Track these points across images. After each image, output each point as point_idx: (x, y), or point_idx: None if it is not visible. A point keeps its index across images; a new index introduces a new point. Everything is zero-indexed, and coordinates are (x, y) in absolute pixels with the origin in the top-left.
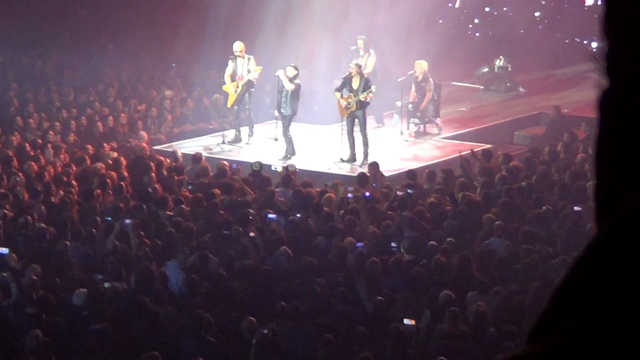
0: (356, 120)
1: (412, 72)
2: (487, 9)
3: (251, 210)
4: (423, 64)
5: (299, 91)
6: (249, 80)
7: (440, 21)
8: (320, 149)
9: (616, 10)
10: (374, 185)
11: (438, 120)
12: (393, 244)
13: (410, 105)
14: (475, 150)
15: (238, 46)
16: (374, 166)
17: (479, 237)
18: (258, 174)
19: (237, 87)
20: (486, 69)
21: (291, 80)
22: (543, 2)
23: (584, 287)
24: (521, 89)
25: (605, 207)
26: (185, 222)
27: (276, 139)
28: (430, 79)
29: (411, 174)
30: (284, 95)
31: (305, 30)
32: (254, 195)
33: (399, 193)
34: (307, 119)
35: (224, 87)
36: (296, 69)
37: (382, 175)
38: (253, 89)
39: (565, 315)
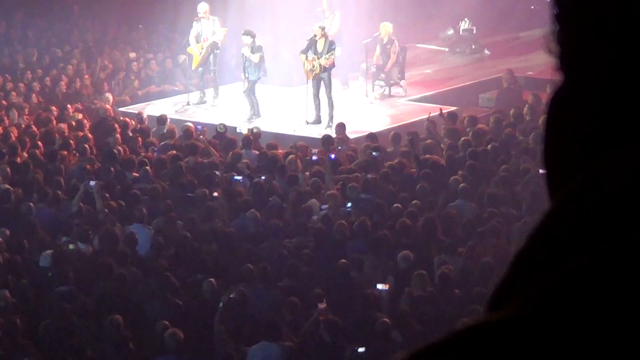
0: (321, 82)
1: (377, 34)
2: None
3: (217, 172)
4: (388, 26)
5: (263, 55)
6: (213, 41)
7: None
8: (285, 111)
9: None
10: (339, 147)
11: (403, 83)
12: (348, 205)
13: (374, 68)
14: (442, 111)
15: (202, 7)
16: (341, 127)
17: (443, 199)
18: (223, 135)
19: (202, 48)
20: (451, 32)
21: (252, 47)
22: None
23: (542, 255)
24: (486, 52)
25: (555, 182)
26: (150, 184)
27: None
28: (396, 41)
29: (372, 136)
30: (248, 61)
31: None
32: (219, 157)
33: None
34: (272, 80)
35: (188, 49)
36: (249, 33)
37: (348, 137)
38: (218, 51)
39: (523, 284)
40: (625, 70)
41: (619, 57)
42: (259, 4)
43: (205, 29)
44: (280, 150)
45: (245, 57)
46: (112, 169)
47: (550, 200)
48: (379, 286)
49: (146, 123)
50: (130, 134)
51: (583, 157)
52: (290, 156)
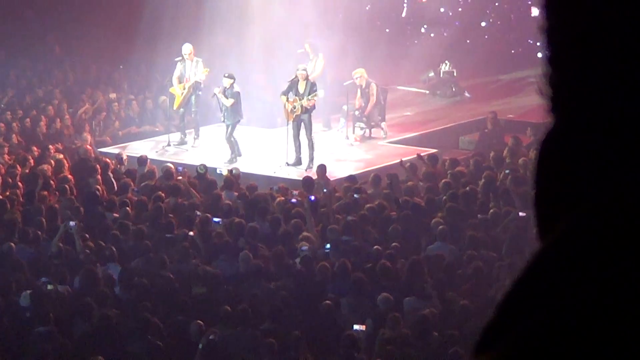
0: (302, 123)
1: (357, 76)
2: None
3: (198, 213)
4: (361, 71)
5: (239, 100)
6: (195, 82)
7: (387, 30)
8: (266, 152)
9: (566, 22)
10: (324, 190)
11: (384, 125)
12: (327, 246)
13: (356, 111)
14: (421, 154)
15: (187, 48)
16: (321, 169)
17: (424, 241)
18: (203, 176)
19: (184, 89)
20: (432, 74)
21: (228, 92)
22: (488, 12)
23: (528, 301)
24: (467, 94)
25: (545, 224)
26: (131, 224)
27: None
28: (373, 83)
29: (352, 178)
30: (224, 107)
31: (252, 34)
32: (199, 197)
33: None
34: (252, 122)
35: (171, 89)
36: (231, 77)
37: (328, 179)
38: (200, 92)
39: (508, 330)
40: (618, 116)
41: (612, 101)
42: (242, 47)
43: (188, 70)
44: (260, 192)
45: (219, 99)
46: (91, 209)
47: (538, 240)
48: (356, 327)
49: (126, 164)
50: (111, 175)
51: (573, 200)
52: (277, 199)
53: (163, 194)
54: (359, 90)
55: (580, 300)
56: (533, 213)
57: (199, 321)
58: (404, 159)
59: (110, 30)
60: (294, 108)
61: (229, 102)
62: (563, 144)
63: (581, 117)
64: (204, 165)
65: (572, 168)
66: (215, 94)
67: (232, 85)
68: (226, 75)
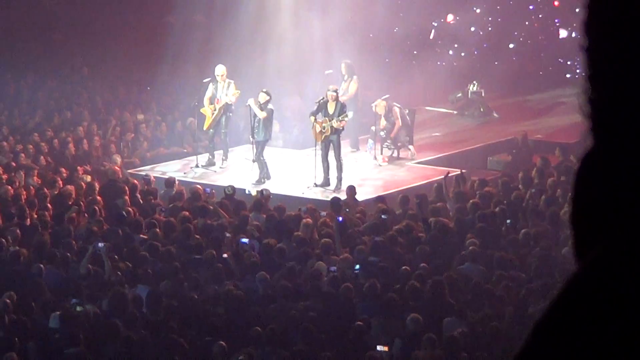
0: (331, 144)
1: (376, 104)
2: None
3: (227, 234)
4: (381, 104)
5: (272, 117)
6: (226, 103)
7: (415, 52)
8: (294, 173)
9: (606, 41)
10: (347, 210)
11: (411, 147)
12: (357, 267)
13: (382, 132)
14: (449, 174)
15: (220, 70)
16: (350, 190)
17: (454, 262)
18: (232, 197)
19: (215, 109)
20: (460, 94)
21: (263, 106)
22: (516, 34)
23: (566, 325)
24: (495, 115)
25: (582, 244)
26: (159, 245)
27: (253, 160)
28: (395, 107)
29: (380, 199)
30: (256, 122)
31: (285, 55)
32: (228, 218)
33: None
34: (281, 143)
35: (201, 110)
36: (268, 94)
37: (357, 200)
38: (231, 114)
39: (547, 354)
40: None
41: None
42: (278, 68)
43: (220, 91)
44: (289, 213)
45: (253, 113)
46: (120, 230)
47: (574, 260)
48: (379, 348)
49: (153, 185)
50: (139, 196)
51: (611, 221)
52: (305, 220)
53: (190, 215)
54: (382, 116)
55: (619, 327)
56: (569, 232)
57: (222, 342)
58: (440, 177)
59: (137, 51)
60: (323, 129)
61: (262, 114)
62: (602, 164)
63: (621, 136)
64: (232, 187)
65: (611, 188)
66: (249, 104)
67: (267, 102)
68: (264, 90)
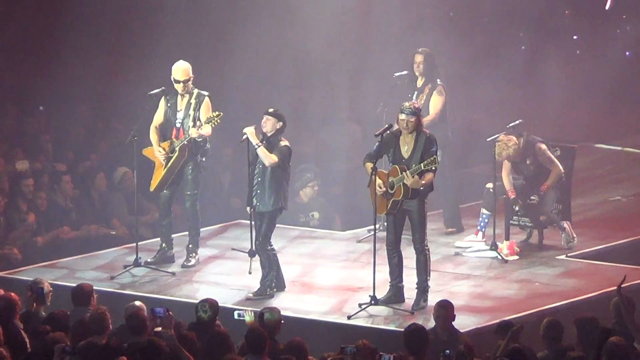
0: (407, 218)
1: (502, 148)
2: None
3: None
4: (507, 142)
5: (287, 164)
6: (193, 139)
7: (574, 36)
8: (330, 277)
9: None
10: (446, 351)
11: (566, 224)
12: None
13: (511, 197)
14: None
15: (181, 71)
16: (444, 310)
17: None
18: (207, 326)
19: (172, 150)
20: None
21: (272, 139)
22: None
23: None
24: None
25: None
26: None
27: (250, 272)
28: (539, 144)
29: (505, 326)
30: (258, 174)
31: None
32: None
33: None
34: (312, 218)
35: (144, 151)
36: (278, 116)
37: (456, 330)
38: (204, 159)
39: None
40: None
41: None
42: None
43: (180, 112)
44: (324, 356)
45: (253, 155)
46: None
47: None
48: None
49: (49, 301)
50: (19, 324)
51: None
52: None
53: None
54: (508, 164)
55: None
56: None
57: None
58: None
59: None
60: (392, 189)
61: (270, 157)
62: None
63: None
64: (209, 304)
65: None
66: (245, 134)
67: (278, 131)
68: (270, 111)
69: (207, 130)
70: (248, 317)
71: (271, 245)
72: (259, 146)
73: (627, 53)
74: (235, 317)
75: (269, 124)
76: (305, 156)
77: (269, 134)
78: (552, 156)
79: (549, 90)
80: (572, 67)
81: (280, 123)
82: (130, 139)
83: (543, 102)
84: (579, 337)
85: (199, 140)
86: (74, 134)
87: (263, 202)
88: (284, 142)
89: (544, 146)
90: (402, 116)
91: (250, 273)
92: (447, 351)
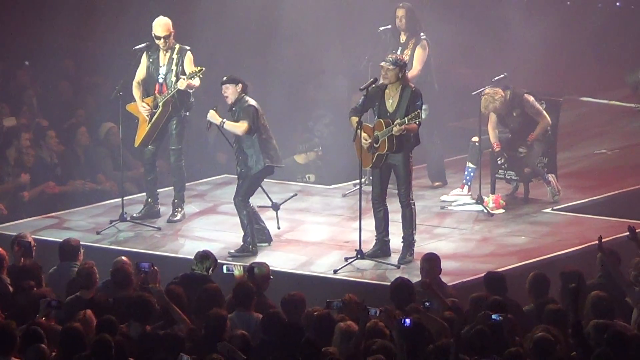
0: (392, 171)
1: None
2: None
3: (186, 358)
4: (493, 95)
5: (256, 123)
6: (177, 91)
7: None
8: (317, 231)
9: None
10: (426, 303)
11: (551, 177)
12: None
13: (497, 150)
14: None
15: (161, 27)
16: (430, 263)
17: None
18: (195, 280)
19: (155, 106)
20: None
21: (236, 108)
22: None
23: None
24: None
25: None
26: None
27: (278, 228)
28: (526, 95)
29: (492, 280)
30: (235, 142)
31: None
32: (189, 323)
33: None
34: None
35: (128, 107)
36: (234, 81)
37: (443, 283)
38: (187, 113)
39: None
40: None
41: None
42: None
43: (163, 68)
44: (308, 311)
45: (220, 128)
46: None
47: None
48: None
49: (35, 255)
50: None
51: None
52: (342, 325)
53: (115, 318)
54: (493, 117)
55: None
56: None
57: None
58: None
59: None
60: (376, 143)
61: (239, 127)
62: None
63: None
64: (198, 257)
65: None
66: (209, 121)
67: (240, 95)
68: (224, 79)
69: (196, 81)
70: (237, 272)
71: (250, 204)
72: (223, 124)
73: (618, 4)
74: (224, 271)
75: (229, 92)
76: (320, 103)
77: (234, 101)
78: (540, 107)
79: (538, 42)
80: (561, 18)
81: (240, 85)
82: (115, 94)
83: (530, 54)
84: (563, 291)
85: (189, 92)
86: (59, 89)
87: (246, 167)
88: (250, 102)
89: (531, 98)
90: (383, 63)
91: (279, 228)
92: (427, 303)
